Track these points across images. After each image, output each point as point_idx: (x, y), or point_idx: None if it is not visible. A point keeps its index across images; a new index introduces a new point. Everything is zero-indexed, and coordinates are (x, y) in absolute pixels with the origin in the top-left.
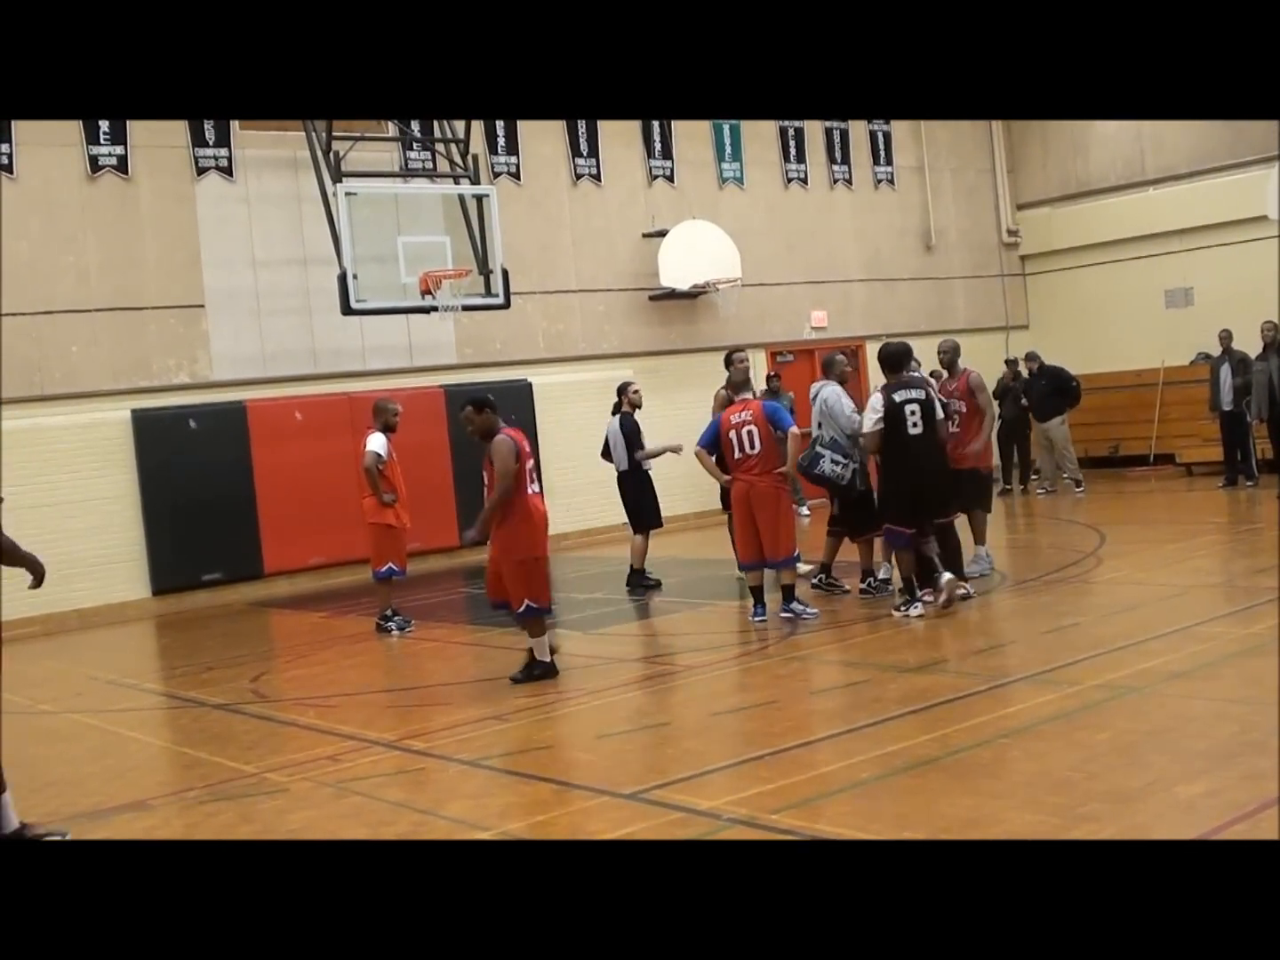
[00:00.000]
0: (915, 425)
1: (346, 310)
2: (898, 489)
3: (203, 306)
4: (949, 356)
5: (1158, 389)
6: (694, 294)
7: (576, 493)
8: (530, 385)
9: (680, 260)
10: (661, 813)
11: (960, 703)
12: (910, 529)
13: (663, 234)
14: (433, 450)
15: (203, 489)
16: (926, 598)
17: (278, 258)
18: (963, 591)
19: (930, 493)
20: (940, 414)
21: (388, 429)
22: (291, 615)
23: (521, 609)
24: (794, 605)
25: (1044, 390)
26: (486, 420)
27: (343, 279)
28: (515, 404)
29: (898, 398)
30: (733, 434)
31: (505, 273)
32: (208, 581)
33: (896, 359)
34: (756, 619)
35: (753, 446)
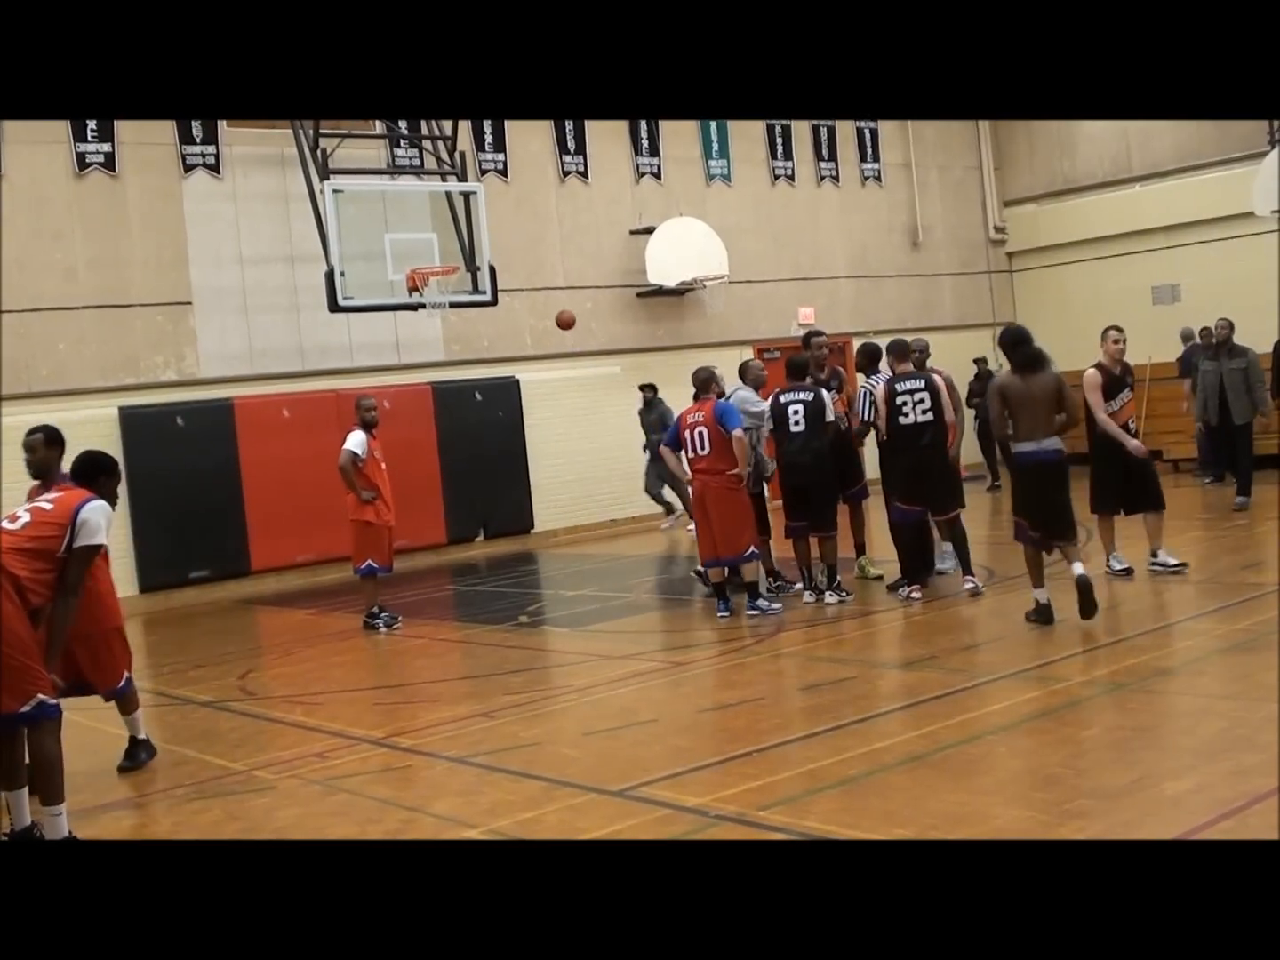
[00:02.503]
0: (797, 424)
1: (334, 307)
2: (781, 483)
3: (190, 304)
4: (919, 357)
5: (1144, 385)
6: (681, 291)
7: (563, 490)
8: (518, 382)
9: (667, 257)
10: (649, 810)
11: (948, 699)
12: (797, 522)
13: (650, 231)
14: (420, 447)
15: (190, 486)
16: (914, 594)
17: (265, 255)
18: (971, 586)
19: (802, 490)
20: (830, 416)
21: (364, 426)
22: (279, 612)
23: (123, 683)
24: (759, 602)
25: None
26: (50, 458)
27: (330, 276)
28: (502, 401)
29: (783, 399)
30: (687, 434)
31: (492, 270)
32: (195, 579)
33: (794, 367)
34: (721, 615)
35: (703, 447)
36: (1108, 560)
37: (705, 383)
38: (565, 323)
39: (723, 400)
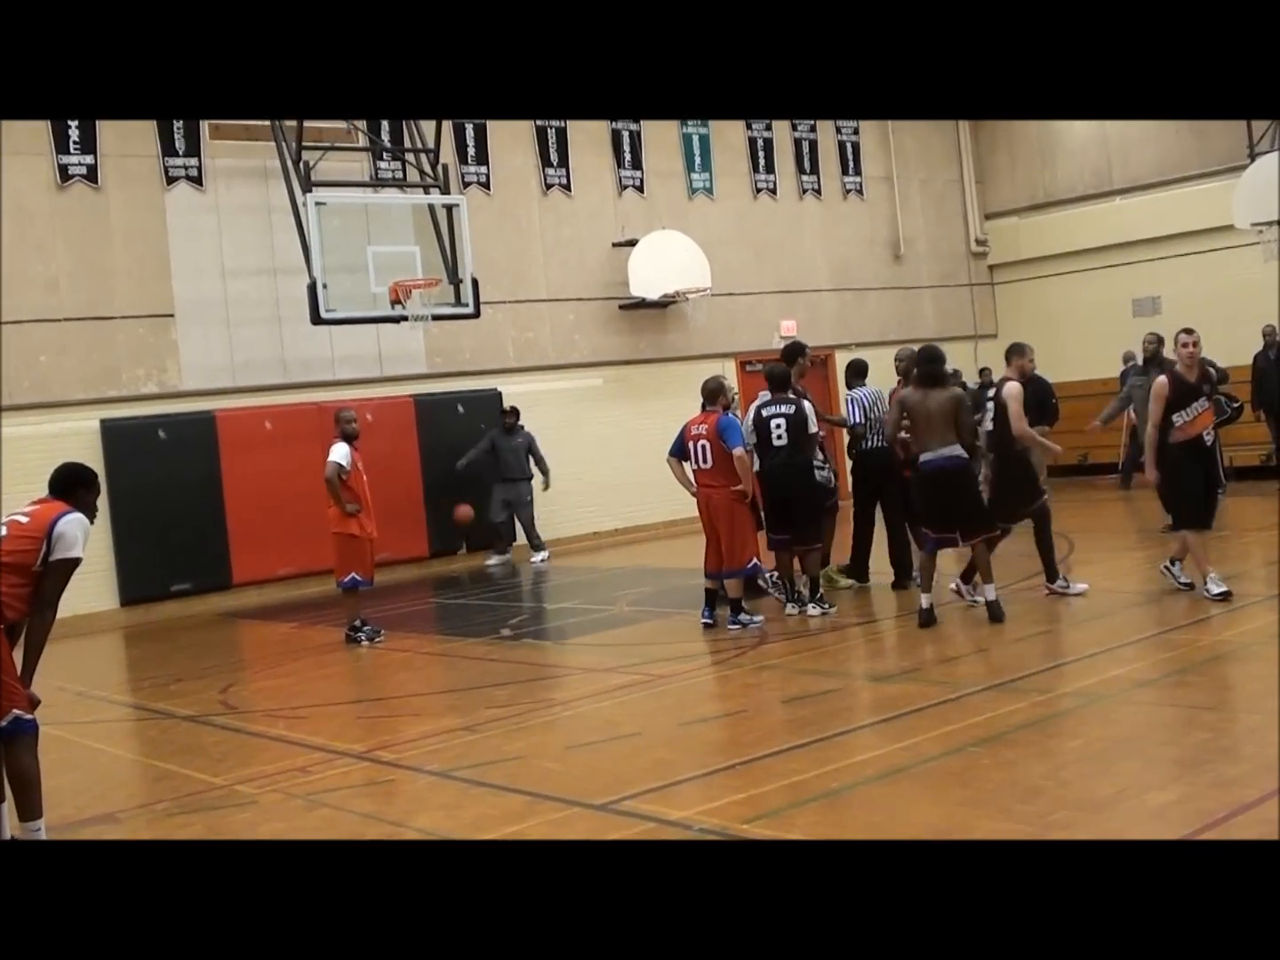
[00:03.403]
0: (780, 437)
1: (316, 320)
2: (765, 496)
3: (172, 316)
4: (905, 365)
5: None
6: (664, 303)
7: (546, 502)
8: (500, 394)
9: (650, 270)
10: (633, 823)
11: (931, 711)
12: (780, 535)
13: (632, 243)
14: (402, 460)
15: (172, 499)
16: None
17: (247, 267)
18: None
19: (785, 503)
20: (813, 428)
21: (347, 438)
22: (260, 626)
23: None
24: (741, 616)
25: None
26: None
27: (312, 288)
28: (485, 413)
29: (765, 412)
30: (691, 445)
31: (475, 282)
32: (176, 592)
33: (776, 379)
34: (704, 620)
35: (705, 460)
36: (1205, 583)
37: (713, 394)
38: (463, 518)
39: (727, 415)
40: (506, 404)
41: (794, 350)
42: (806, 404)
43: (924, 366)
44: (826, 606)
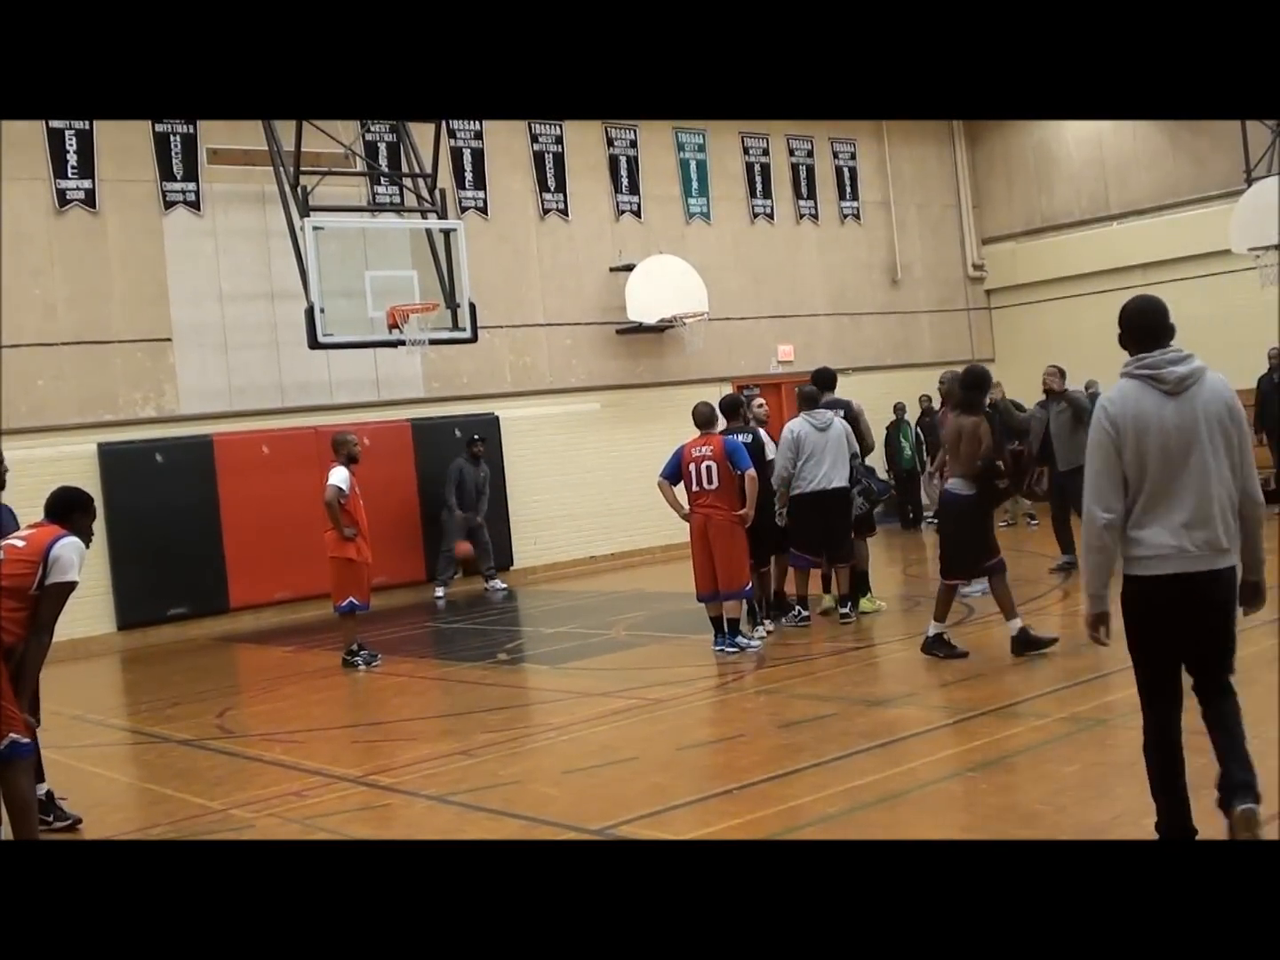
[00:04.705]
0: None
1: (314, 344)
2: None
3: (170, 340)
4: (947, 387)
5: None
6: (661, 328)
7: (543, 527)
8: (497, 419)
9: (647, 294)
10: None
11: (928, 736)
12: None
13: (630, 268)
14: (399, 484)
15: (169, 523)
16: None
17: (245, 292)
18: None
19: (751, 530)
20: (770, 454)
21: (351, 460)
22: (257, 650)
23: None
24: (739, 639)
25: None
26: None
27: (310, 313)
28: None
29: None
30: (692, 467)
31: (473, 307)
32: (173, 616)
33: (733, 408)
34: (717, 649)
35: (710, 482)
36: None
37: (710, 419)
38: (463, 554)
39: (732, 438)
40: (476, 434)
41: (830, 377)
42: (763, 431)
43: (960, 392)
44: (765, 632)
